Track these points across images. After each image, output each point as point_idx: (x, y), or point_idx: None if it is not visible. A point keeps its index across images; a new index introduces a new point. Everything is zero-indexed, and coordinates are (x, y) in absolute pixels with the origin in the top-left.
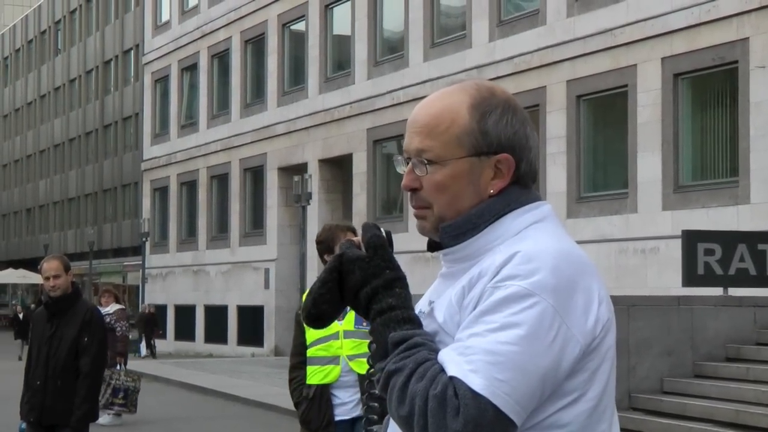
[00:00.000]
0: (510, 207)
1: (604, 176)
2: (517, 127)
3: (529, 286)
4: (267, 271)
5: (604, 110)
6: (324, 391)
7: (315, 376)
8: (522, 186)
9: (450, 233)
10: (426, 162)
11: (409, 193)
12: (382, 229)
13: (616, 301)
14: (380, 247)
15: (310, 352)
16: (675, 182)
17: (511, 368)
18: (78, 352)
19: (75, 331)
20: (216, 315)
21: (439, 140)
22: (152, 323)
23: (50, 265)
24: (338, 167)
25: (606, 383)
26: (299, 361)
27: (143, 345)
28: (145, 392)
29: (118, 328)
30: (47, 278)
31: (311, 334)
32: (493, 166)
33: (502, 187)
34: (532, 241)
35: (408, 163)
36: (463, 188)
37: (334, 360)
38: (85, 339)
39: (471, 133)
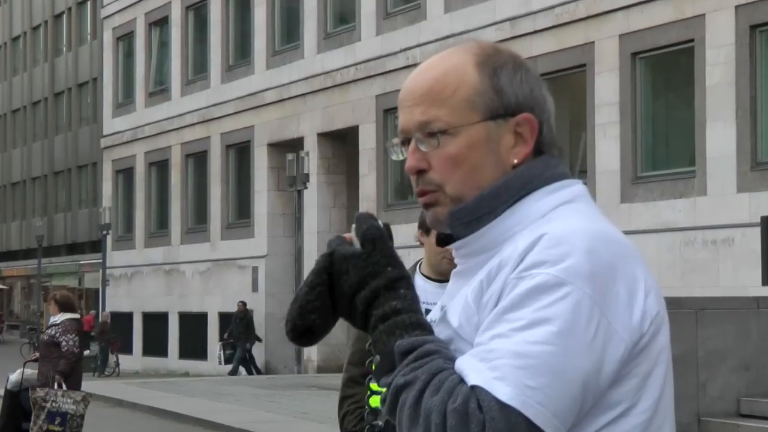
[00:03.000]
0: (532, 185)
1: (665, 151)
2: (533, 84)
3: (560, 274)
4: (255, 270)
5: (666, 71)
6: None
7: None
8: (545, 159)
9: (461, 219)
10: (436, 132)
11: (413, 178)
12: (379, 221)
13: (682, 303)
14: (379, 240)
15: None
16: (752, 158)
17: (544, 373)
18: None
19: None
20: (193, 324)
21: (446, 106)
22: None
23: None
24: (341, 142)
25: (661, 392)
26: (360, 373)
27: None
28: (106, 419)
29: (63, 343)
30: None
31: None
32: (512, 130)
33: (526, 154)
34: (561, 222)
35: (407, 145)
36: (482, 159)
37: None
38: None
39: (484, 93)
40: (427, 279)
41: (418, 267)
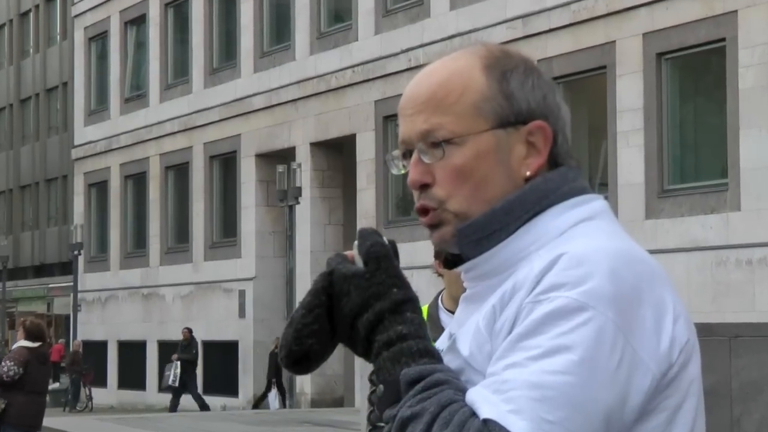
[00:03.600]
0: (548, 200)
1: (695, 162)
2: (546, 90)
3: (580, 297)
4: (242, 293)
5: (695, 72)
6: None
7: None
8: (563, 171)
9: (470, 236)
10: (440, 142)
11: (415, 193)
12: (384, 237)
13: (714, 329)
14: (384, 259)
15: None
16: None
17: (563, 405)
18: None
19: None
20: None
21: (451, 114)
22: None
23: None
24: (337, 153)
25: (692, 428)
26: None
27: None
28: None
29: (1, 369)
30: None
31: None
32: (524, 139)
33: (540, 165)
34: (581, 241)
35: (409, 157)
36: (491, 171)
37: None
38: None
39: (492, 98)
40: (451, 314)
41: (440, 300)
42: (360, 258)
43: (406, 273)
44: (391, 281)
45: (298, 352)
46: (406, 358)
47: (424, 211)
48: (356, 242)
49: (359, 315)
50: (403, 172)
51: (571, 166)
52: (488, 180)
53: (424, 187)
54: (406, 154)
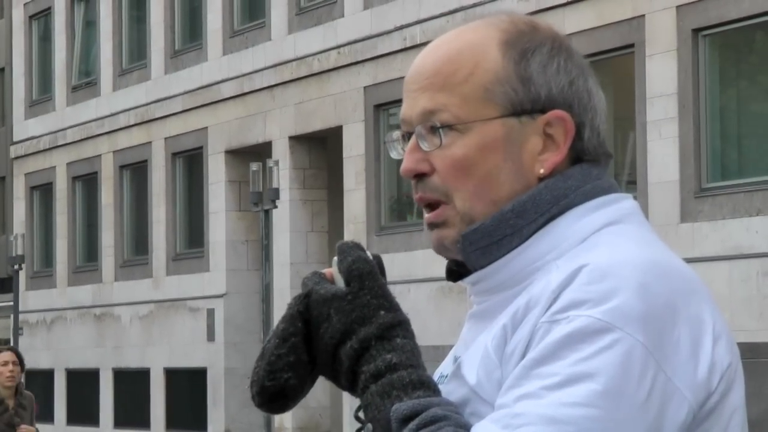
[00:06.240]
0: (568, 200)
1: (738, 156)
2: (574, 74)
3: (604, 316)
4: (211, 313)
5: (738, 51)
6: None
7: None
8: (585, 167)
9: (476, 243)
10: (439, 127)
11: (413, 183)
12: (367, 251)
13: (761, 351)
14: (368, 277)
15: None
16: None
17: None
18: None
19: None
20: (132, 384)
21: (457, 94)
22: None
23: None
24: (321, 148)
25: None
26: None
27: None
28: None
29: None
30: None
31: None
32: (540, 131)
33: (557, 163)
34: (606, 249)
35: (409, 139)
36: (499, 166)
37: None
38: None
39: (506, 81)
40: None
41: None
42: (340, 277)
43: (403, 287)
44: (377, 302)
45: (272, 388)
46: (398, 391)
47: (424, 200)
48: (335, 258)
49: (342, 343)
50: (404, 152)
51: (599, 162)
52: (493, 177)
53: (421, 176)
54: (407, 137)
